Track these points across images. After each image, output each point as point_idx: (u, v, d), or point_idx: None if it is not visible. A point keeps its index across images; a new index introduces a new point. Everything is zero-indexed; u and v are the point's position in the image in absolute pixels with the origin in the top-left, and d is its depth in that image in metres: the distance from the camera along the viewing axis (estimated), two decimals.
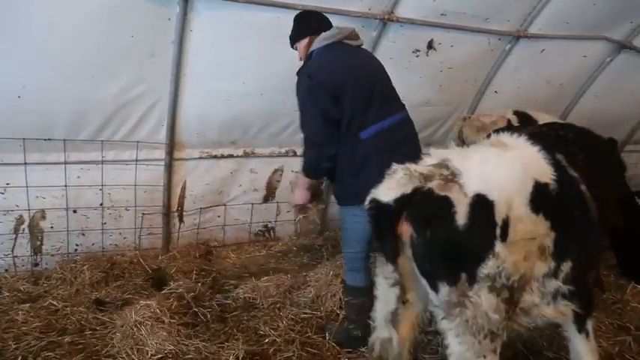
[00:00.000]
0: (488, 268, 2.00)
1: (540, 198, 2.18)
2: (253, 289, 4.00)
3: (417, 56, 4.84)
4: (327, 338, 3.36)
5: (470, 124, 5.08)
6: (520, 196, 2.13)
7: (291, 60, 4.36)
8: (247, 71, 4.34)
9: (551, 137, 2.71)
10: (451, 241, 2.01)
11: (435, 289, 2.06)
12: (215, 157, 4.86)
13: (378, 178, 2.26)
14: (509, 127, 3.92)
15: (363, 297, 3.09)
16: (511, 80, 5.68)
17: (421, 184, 2.08)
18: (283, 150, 5.15)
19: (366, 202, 2.17)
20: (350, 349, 3.24)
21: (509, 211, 2.07)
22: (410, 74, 4.97)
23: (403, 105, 3.39)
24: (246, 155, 5.00)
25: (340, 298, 3.76)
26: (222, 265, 4.78)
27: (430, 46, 4.81)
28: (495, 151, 2.36)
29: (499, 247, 2.02)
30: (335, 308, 3.71)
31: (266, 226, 5.47)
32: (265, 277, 4.21)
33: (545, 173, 2.28)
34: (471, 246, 2.02)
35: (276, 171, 5.26)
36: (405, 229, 2.08)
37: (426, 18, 4.57)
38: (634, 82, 6.51)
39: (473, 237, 2.01)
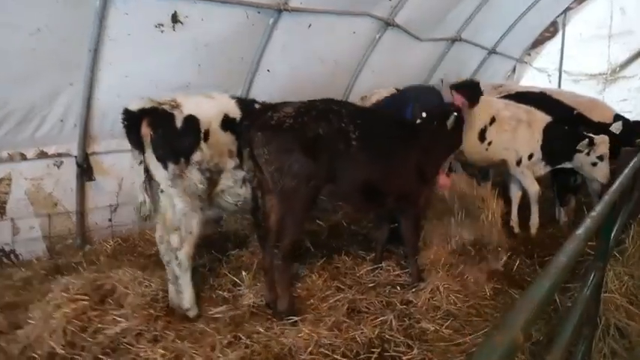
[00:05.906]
0: (197, 156, 3.37)
1: (227, 124, 3.56)
2: None
3: (162, 32, 4.18)
4: None
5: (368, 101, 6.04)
6: (216, 121, 3.50)
7: None
8: None
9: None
10: (173, 137, 3.30)
11: (166, 167, 3.32)
12: None
13: None
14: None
15: None
16: (282, 59, 5.38)
17: (155, 104, 3.33)
18: (5, 154, 4.08)
19: (121, 114, 3.29)
20: None
21: (209, 126, 3.44)
22: (159, 53, 4.31)
23: None
24: None
25: (65, 333, 3.01)
26: None
27: (175, 19, 4.19)
28: (202, 97, 3.66)
29: (203, 145, 3.40)
30: (57, 348, 2.93)
31: (2, 250, 4.35)
32: None
33: (235, 112, 3.63)
34: (185, 141, 3.33)
35: (1, 181, 4.17)
36: (146, 131, 3.27)
37: None
38: (403, 56, 6.86)
39: (186, 136, 3.33)
